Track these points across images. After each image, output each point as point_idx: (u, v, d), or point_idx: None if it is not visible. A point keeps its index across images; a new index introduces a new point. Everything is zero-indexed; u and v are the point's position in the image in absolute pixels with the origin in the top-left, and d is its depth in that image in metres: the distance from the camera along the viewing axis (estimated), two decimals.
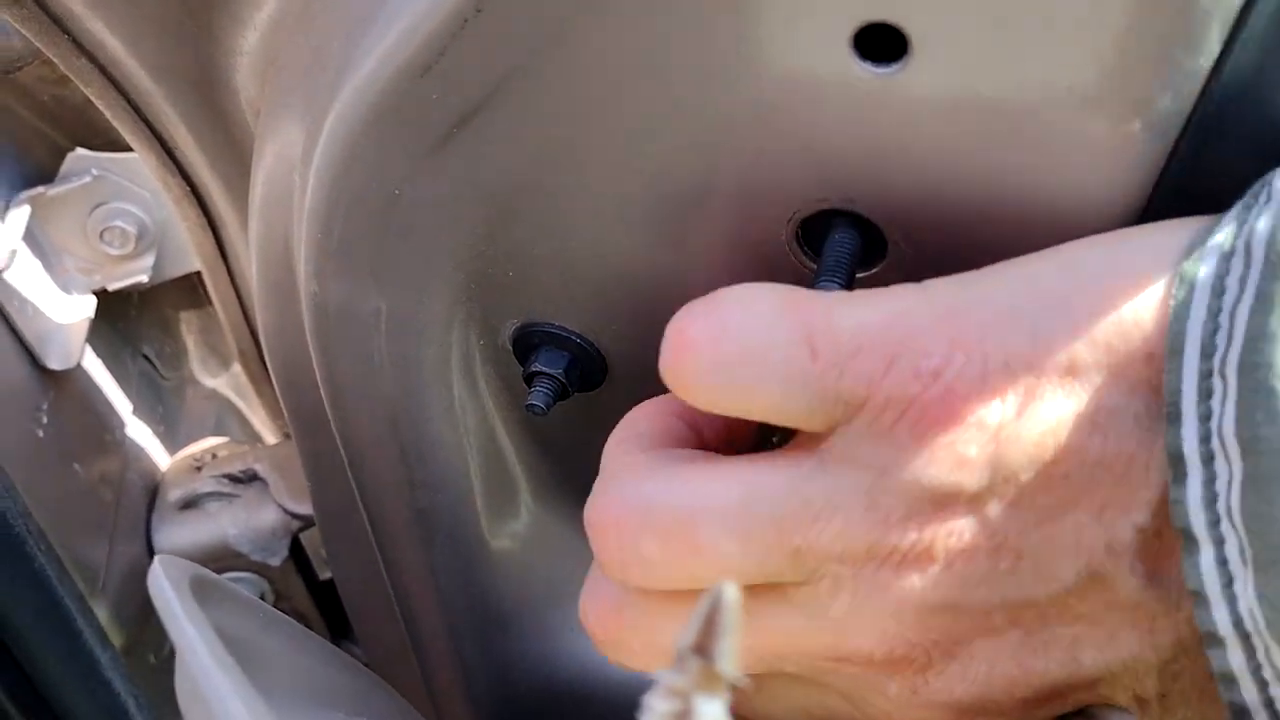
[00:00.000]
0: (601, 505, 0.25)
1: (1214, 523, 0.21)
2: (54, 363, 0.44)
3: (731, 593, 0.17)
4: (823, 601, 0.24)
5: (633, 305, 0.28)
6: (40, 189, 0.46)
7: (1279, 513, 0.20)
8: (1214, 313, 0.21)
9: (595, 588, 0.27)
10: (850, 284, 0.24)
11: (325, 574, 0.54)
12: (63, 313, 0.45)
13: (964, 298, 0.23)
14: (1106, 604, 0.23)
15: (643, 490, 0.25)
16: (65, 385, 0.45)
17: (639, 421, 0.27)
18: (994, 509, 0.23)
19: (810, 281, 0.25)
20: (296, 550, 0.51)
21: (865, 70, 0.22)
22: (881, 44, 0.22)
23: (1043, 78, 0.22)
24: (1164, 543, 0.22)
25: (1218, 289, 0.21)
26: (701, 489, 0.24)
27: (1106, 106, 0.22)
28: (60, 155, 0.47)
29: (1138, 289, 0.22)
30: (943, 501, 0.23)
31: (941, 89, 0.22)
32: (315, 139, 0.28)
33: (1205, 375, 0.21)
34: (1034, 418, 0.22)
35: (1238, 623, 0.21)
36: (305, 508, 0.49)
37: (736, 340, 0.23)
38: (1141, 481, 0.22)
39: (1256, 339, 0.20)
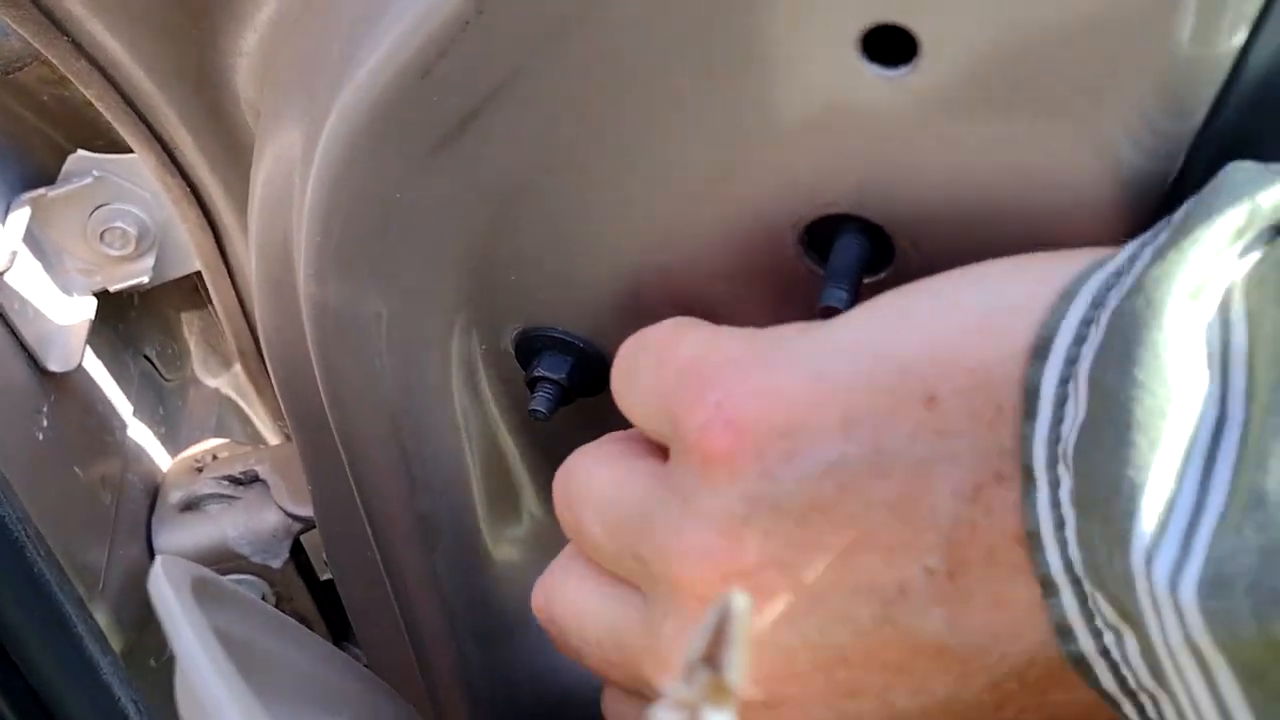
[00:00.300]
0: (559, 470, 0.28)
1: (1052, 463, 0.21)
2: (54, 365, 0.44)
3: (741, 602, 0.17)
4: (658, 623, 0.25)
5: (636, 310, 0.28)
6: (41, 191, 0.46)
7: (1105, 454, 0.20)
8: (1118, 271, 0.22)
9: (543, 574, 0.30)
10: (857, 290, 0.24)
11: (326, 575, 0.53)
12: (63, 314, 0.45)
13: (782, 335, 0.24)
14: (911, 650, 0.23)
15: (574, 466, 0.28)
16: (65, 387, 0.45)
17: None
18: (782, 548, 0.23)
19: (817, 287, 0.24)
20: (298, 552, 0.51)
21: (874, 73, 0.22)
22: (890, 46, 0.22)
23: (1055, 79, 0.21)
24: (959, 588, 0.22)
25: (1132, 255, 0.22)
26: (596, 476, 0.27)
27: (1120, 109, 0.22)
28: (61, 156, 0.47)
29: (944, 335, 0.23)
30: (732, 533, 0.23)
31: (952, 91, 0.22)
32: (314, 141, 0.28)
33: (1085, 322, 0.21)
34: (812, 455, 0.23)
35: (1068, 565, 0.21)
36: (306, 510, 0.49)
37: (631, 349, 0.27)
38: (927, 523, 0.22)
39: (1135, 290, 0.21)
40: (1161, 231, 0.22)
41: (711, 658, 0.17)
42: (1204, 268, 0.21)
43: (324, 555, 0.50)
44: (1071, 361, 0.21)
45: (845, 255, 0.24)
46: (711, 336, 0.25)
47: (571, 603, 0.29)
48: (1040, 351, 0.22)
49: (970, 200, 0.24)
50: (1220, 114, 0.22)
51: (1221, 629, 0.18)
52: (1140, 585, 0.19)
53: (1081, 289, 0.22)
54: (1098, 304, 0.22)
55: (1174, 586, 0.19)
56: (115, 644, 0.44)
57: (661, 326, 0.26)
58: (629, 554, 0.26)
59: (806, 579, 0.23)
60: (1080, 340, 0.21)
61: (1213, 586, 0.18)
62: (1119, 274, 0.22)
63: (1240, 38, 0.21)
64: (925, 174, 0.23)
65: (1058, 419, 0.21)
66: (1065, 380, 0.21)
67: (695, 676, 0.17)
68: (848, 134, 0.23)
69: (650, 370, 0.26)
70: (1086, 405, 0.21)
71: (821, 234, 0.25)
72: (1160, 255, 0.21)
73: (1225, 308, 0.21)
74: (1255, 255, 0.21)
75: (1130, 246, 0.22)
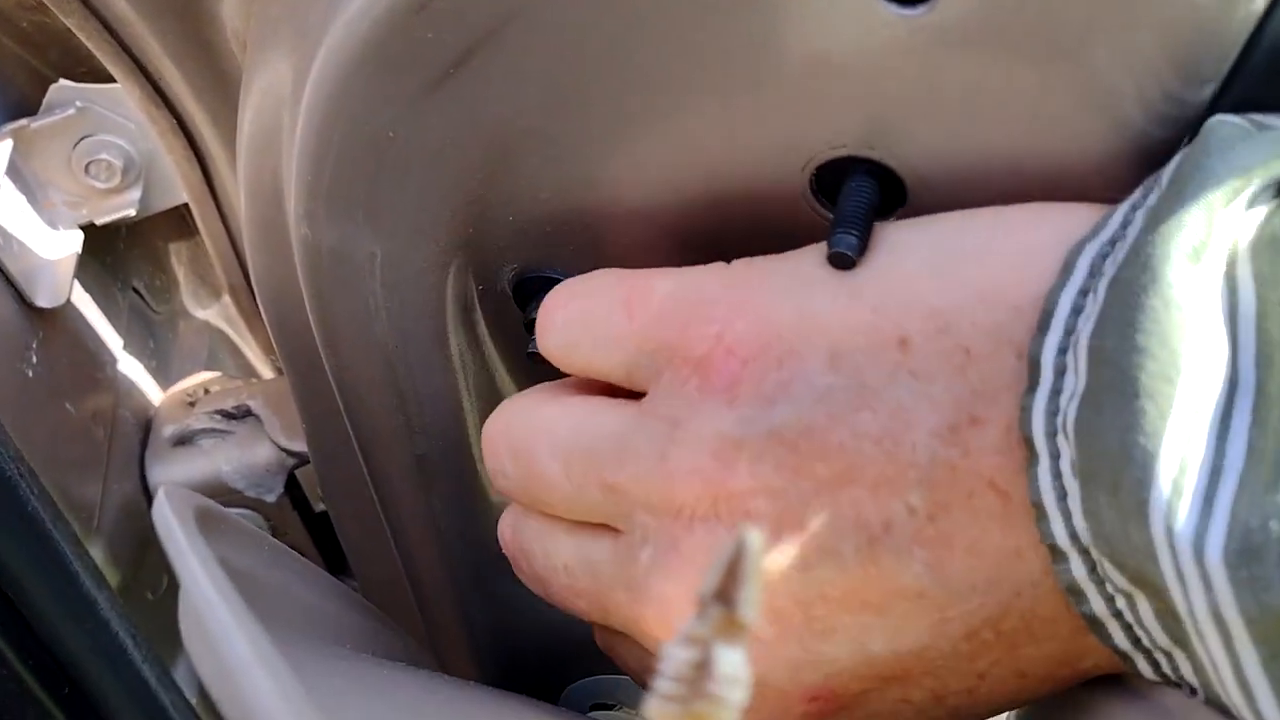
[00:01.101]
0: (490, 418, 0.29)
1: (1051, 433, 0.21)
2: (42, 300, 0.43)
3: (754, 539, 0.17)
4: (634, 552, 0.25)
5: (637, 253, 0.28)
6: (23, 122, 0.45)
7: (1105, 423, 0.20)
8: (1113, 239, 0.21)
9: (509, 508, 0.30)
10: (868, 233, 0.24)
11: (322, 508, 0.53)
12: (50, 248, 0.44)
13: (760, 268, 0.25)
14: (892, 591, 0.23)
15: (511, 407, 0.28)
16: (54, 323, 0.45)
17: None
18: (772, 472, 0.23)
19: (826, 231, 0.24)
20: (292, 486, 0.51)
21: (890, 11, 0.21)
22: None
23: (1070, 26, 0.21)
24: (940, 530, 0.22)
25: (1125, 220, 0.22)
26: (547, 415, 0.27)
27: (1134, 66, 0.21)
28: (42, 85, 0.46)
29: (933, 275, 0.23)
30: (724, 457, 0.23)
31: (967, 33, 0.21)
32: (304, 77, 0.27)
33: (1083, 293, 0.21)
34: (805, 384, 0.23)
35: (1074, 535, 0.21)
36: (300, 445, 0.48)
37: (573, 307, 0.27)
38: (909, 460, 0.22)
39: (1131, 257, 0.20)
40: (1151, 193, 0.22)
41: (724, 594, 0.17)
42: (1202, 229, 0.20)
43: (319, 491, 0.50)
44: (1069, 332, 0.21)
45: (855, 199, 0.24)
46: (685, 274, 0.25)
47: (535, 531, 0.29)
48: (1040, 324, 0.22)
49: (986, 142, 0.23)
50: (1231, 89, 0.22)
51: (1249, 597, 0.18)
52: (1163, 554, 0.19)
53: (1079, 259, 0.22)
54: (1094, 273, 0.21)
55: (1200, 554, 0.19)
56: (112, 579, 0.45)
57: (597, 277, 0.27)
58: (595, 487, 0.26)
59: (795, 508, 0.23)
60: (1077, 311, 0.21)
61: (1241, 555, 0.18)
62: (1113, 241, 0.22)
63: (1260, 3, 0.20)
64: (938, 116, 0.23)
65: (1056, 389, 0.21)
66: (1063, 350, 0.21)
67: (707, 613, 0.17)
68: (861, 74, 0.23)
69: (617, 315, 0.26)
70: (1086, 375, 0.20)
71: (831, 179, 0.25)
72: (1154, 218, 0.21)
73: (1231, 268, 0.20)
74: (1257, 212, 0.21)
75: (1121, 210, 0.22)
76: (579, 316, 0.27)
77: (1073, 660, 0.24)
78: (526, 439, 0.27)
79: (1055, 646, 0.23)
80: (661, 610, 0.25)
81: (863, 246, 0.23)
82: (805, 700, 0.25)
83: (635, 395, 0.27)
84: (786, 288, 0.24)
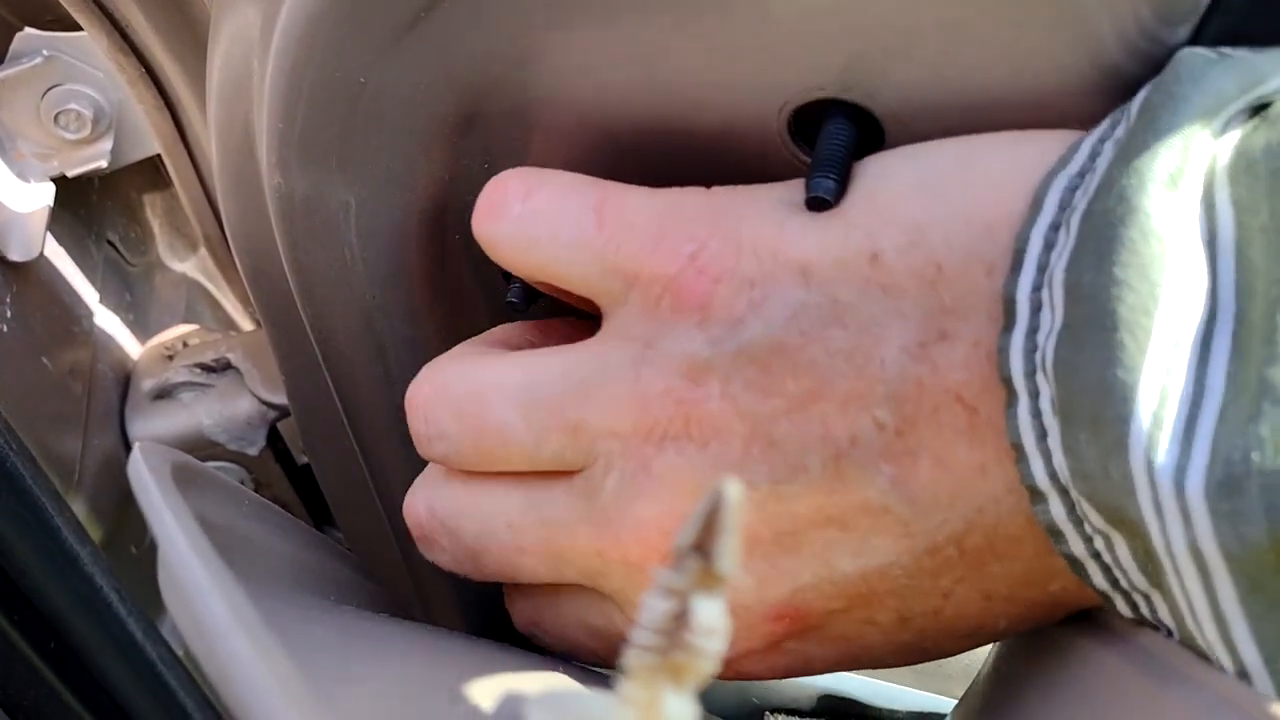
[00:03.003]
0: (413, 384, 0.27)
1: (1030, 373, 0.21)
2: (15, 254, 0.42)
3: (734, 491, 0.17)
4: (597, 482, 0.25)
5: None
6: None
7: (1084, 359, 0.20)
8: (1081, 171, 0.21)
9: (415, 485, 0.29)
10: (846, 178, 0.23)
11: (305, 459, 0.53)
12: (21, 201, 0.44)
13: (738, 192, 0.25)
14: (857, 506, 0.23)
15: (445, 369, 0.27)
16: (28, 277, 0.44)
17: (494, 332, 0.29)
18: (742, 391, 0.23)
19: (804, 175, 0.24)
20: (275, 439, 0.50)
21: None
22: None
23: None
24: (907, 445, 0.22)
25: (1093, 152, 0.21)
26: (494, 369, 0.26)
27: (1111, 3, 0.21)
28: (8, 34, 0.45)
29: (904, 198, 0.23)
30: (695, 376, 0.23)
31: None
32: (273, 21, 0.26)
33: (1054, 227, 0.21)
34: (777, 302, 0.23)
35: (1053, 475, 0.21)
36: (281, 397, 0.48)
37: (538, 199, 0.25)
38: (878, 375, 0.22)
39: (1104, 189, 0.20)
40: (1119, 124, 0.21)
41: (702, 545, 0.17)
42: (1178, 155, 0.20)
43: (301, 444, 0.50)
44: (1043, 269, 0.21)
45: (833, 141, 0.23)
46: (661, 192, 0.25)
47: (468, 496, 0.28)
48: (1014, 264, 0.21)
49: (967, 84, 0.23)
50: (1208, 28, 0.21)
51: (1228, 531, 0.18)
52: (1142, 488, 0.19)
53: (1047, 193, 0.21)
54: (1064, 206, 0.21)
55: (1180, 487, 0.18)
56: (94, 534, 0.44)
57: (566, 176, 0.26)
58: (556, 429, 0.25)
59: (763, 424, 0.23)
60: (1050, 246, 0.21)
61: (1222, 488, 0.18)
62: (1083, 174, 0.21)
63: None
64: (919, 56, 0.22)
65: (1033, 328, 0.21)
66: (1038, 288, 0.21)
67: (685, 564, 0.17)
68: (838, 12, 0.22)
69: (586, 219, 0.25)
70: (1064, 311, 0.20)
71: (808, 123, 0.24)
72: (1127, 148, 0.20)
73: (1209, 193, 0.20)
74: (1232, 134, 0.20)
75: (1089, 141, 0.22)
76: (543, 212, 0.25)
77: (1039, 581, 0.24)
78: (474, 395, 0.26)
79: (1020, 566, 0.23)
80: (637, 534, 0.25)
81: (841, 190, 0.23)
82: (771, 619, 0.25)
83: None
84: (764, 211, 0.24)
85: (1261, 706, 0.18)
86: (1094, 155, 0.21)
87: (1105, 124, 0.22)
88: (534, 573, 0.28)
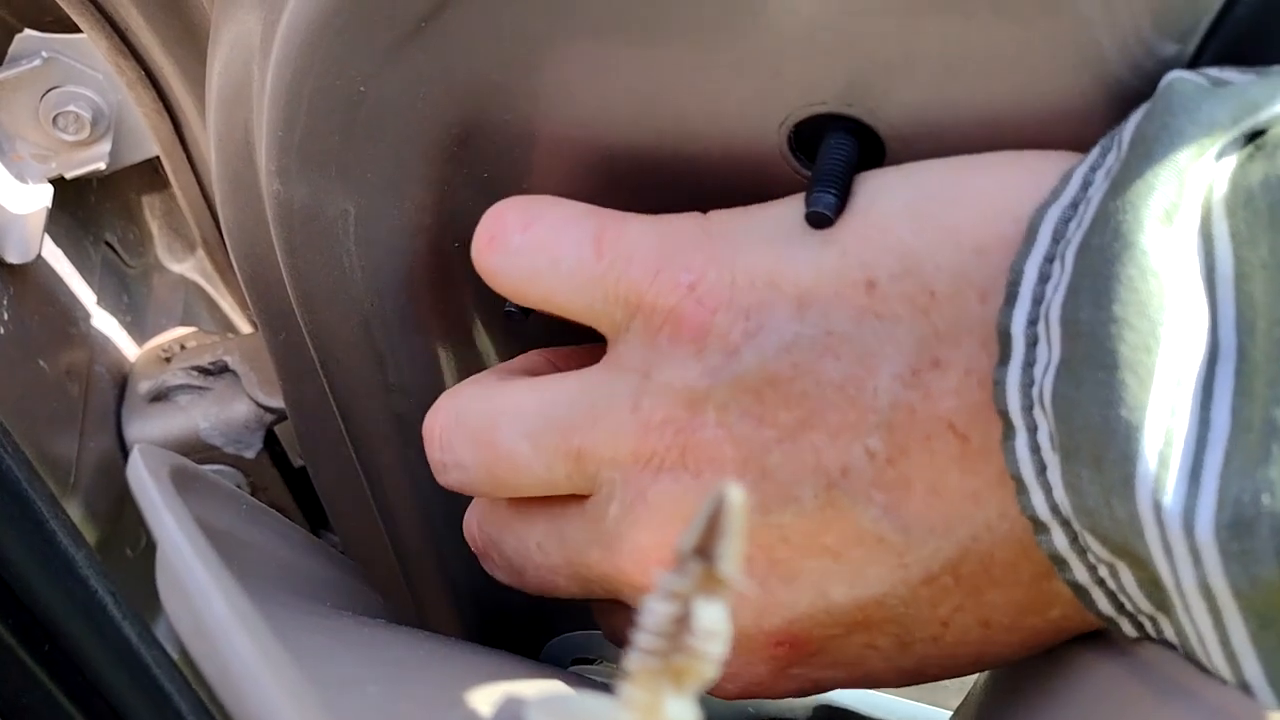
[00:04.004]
0: (430, 413, 0.28)
1: (1027, 407, 0.21)
2: (13, 256, 0.42)
3: (736, 495, 0.17)
4: (602, 509, 0.25)
5: (615, 209, 0.27)
6: None
7: (1084, 396, 0.19)
8: (1074, 202, 0.21)
9: (473, 505, 0.30)
10: (847, 193, 0.23)
11: (301, 463, 0.53)
12: (19, 203, 0.44)
13: (736, 218, 0.25)
14: (850, 536, 0.23)
15: (460, 398, 0.28)
16: (25, 278, 0.44)
17: (516, 360, 0.30)
18: (737, 420, 0.23)
19: (805, 190, 0.24)
20: (272, 442, 0.50)
21: None
22: None
23: None
24: (899, 473, 0.22)
25: (1085, 181, 0.21)
26: (507, 397, 0.27)
27: (1116, 18, 0.21)
28: (7, 35, 0.45)
29: (903, 227, 0.23)
30: (693, 406, 0.24)
31: None
32: (274, 29, 0.26)
33: (1048, 259, 0.21)
34: (772, 332, 0.23)
35: (1054, 508, 0.21)
36: (278, 401, 0.48)
37: (537, 230, 0.26)
38: (870, 405, 0.22)
39: (1099, 223, 0.20)
40: (1109, 152, 0.21)
41: (704, 549, 0.17)
42: (1173, 190, 0.20)
43: (298, 448, 0.50)
44: (1038, 302, 0.21)
45: (834, 156, 0.23)
46: (659, 220, 0.25)
47: (505, 517, 0.29)
48: (1008, 296, 0.21)
49: (968, 100, 0.23)
50: (1209, 49, 0.21)
51: (1239, 571, 0.18)
52: (1149, 528, 0.19)
53: (1040, 224, 0.21)
54: (1058, 238, 0.21)
55: (1189, 528, 0.18)
56: (90, 536, 0.44)
57: (563, 205, 0.26)
58: (564, 457, 0.26)
59: (756, 453, 0.23)
60: (1044, 279, 0.21)
61: (1233, 529, 0.18)
62: (1075, 205, 0.21)
63: None
64: (921, 71, 0.22)
65: (1029, 361, 0.21)
66: (1034, 321, 0.21)
67: (687, 568, 0.17)
68: (840, 28, 0.22)
69: (585, 249, 0.25)
70: (1061, 346, 0.20)
71: (809, 137, 0.24)
72: (1121, 180, 0.20)
73: (1206, 226, 0.20)
74: (1227, 162, 0.20)
75: (1080, 171, 0.22)
76: (543, 243, 0.26)
77: (1038, 608, 0.24)
78: (488, 425, 0.27)
79: (1018, 593, 0.24)
80: (636, 560, 0.25)
81: (841, 205, 0.23)
82: (771, 645, 0.25)
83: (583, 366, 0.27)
84: (762, 238, 0.24)
85: (1263, 719, 0.18)
86: (1086, 185, 0.21)
87: (1095, 152, 0.22)
88: (568, 589, 0.28)
